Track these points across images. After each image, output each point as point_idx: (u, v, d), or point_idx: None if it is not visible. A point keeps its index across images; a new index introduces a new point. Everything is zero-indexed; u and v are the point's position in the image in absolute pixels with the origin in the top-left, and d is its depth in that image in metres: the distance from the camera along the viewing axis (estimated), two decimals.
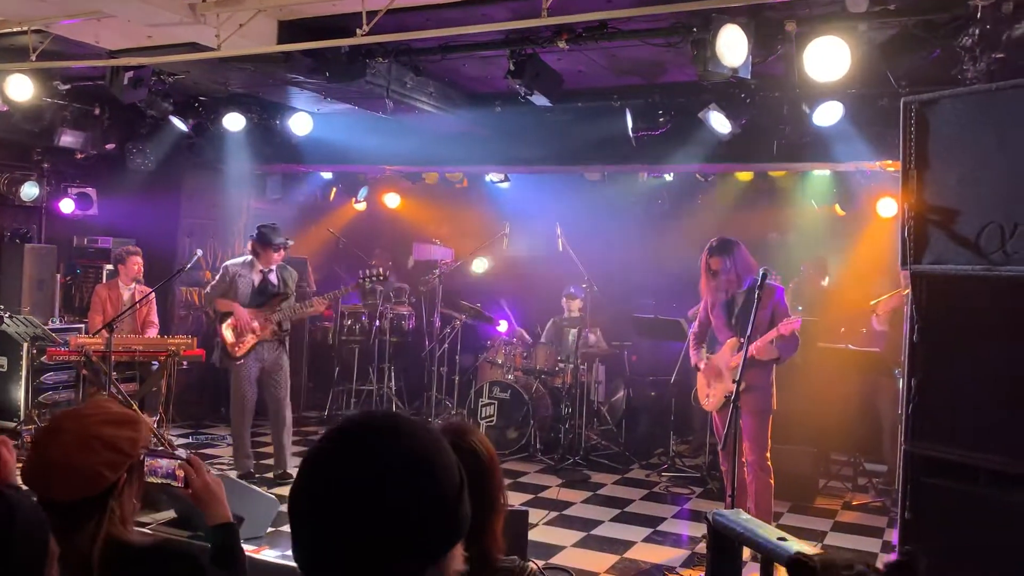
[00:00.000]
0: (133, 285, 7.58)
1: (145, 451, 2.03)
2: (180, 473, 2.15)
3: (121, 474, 1.91)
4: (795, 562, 1.33)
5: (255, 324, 6.53)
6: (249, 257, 6.71)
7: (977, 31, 4.40)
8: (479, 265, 9.39)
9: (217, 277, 6.74)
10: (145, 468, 2.10)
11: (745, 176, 7.98)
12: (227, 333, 6.55)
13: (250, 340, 6.55)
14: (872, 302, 6.82)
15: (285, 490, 6.36)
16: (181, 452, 2.50)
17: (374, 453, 1.16)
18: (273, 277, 6.70)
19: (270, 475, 6.76)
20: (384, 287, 9.42)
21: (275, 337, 6.64)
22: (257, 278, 6.65)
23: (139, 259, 7.58)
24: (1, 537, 1.44)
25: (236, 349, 6.53)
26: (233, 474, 6.48)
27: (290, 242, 6.89)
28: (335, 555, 1.14)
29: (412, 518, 1.14)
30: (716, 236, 5.40)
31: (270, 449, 7.05)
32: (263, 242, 6.59)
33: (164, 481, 2.15)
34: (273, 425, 6.78)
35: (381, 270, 6.98)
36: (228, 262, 6.83)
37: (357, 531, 1.13)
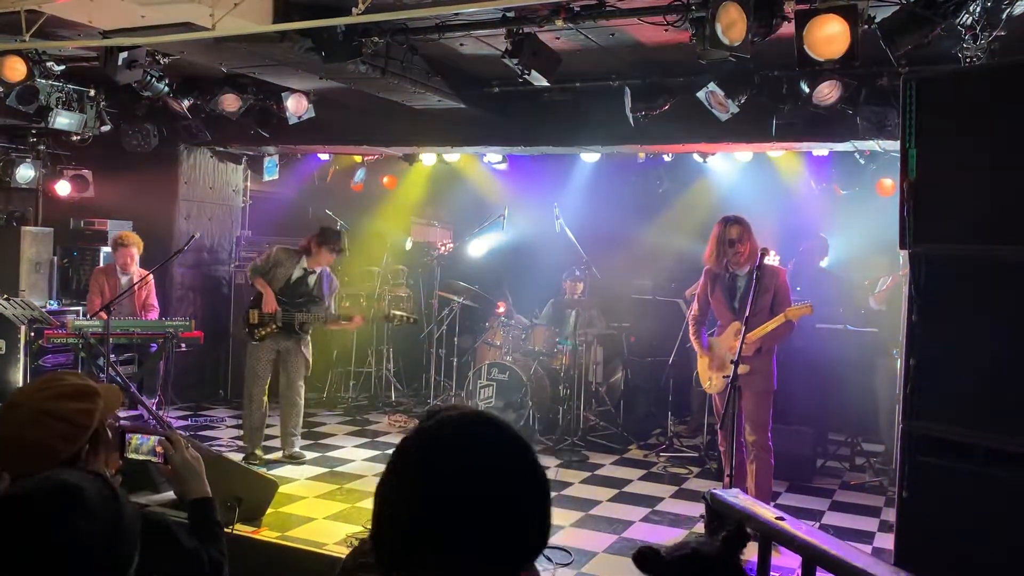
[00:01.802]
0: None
1: (113, 422, 2.04)
2: (160, 449, 2.17)
3: (80, 446, 1.93)
4: (640, 555, 1.35)
5: (278, 311, 6.54)
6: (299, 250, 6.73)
7: (977, 9, 4.36)
8: (477, 247, 9.36)
9: (265, 254, 6.81)
10: (127, 445, 2.12)
11: (744, 155, 7.95)
12: (252, 314, 6.62)
13: (270, 329, 6.60)
14: (869, 285, 6.80)
15: (286, 471, 6.41)
16: (161, 428, 2.52)
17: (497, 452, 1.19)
18: (312, 279, 6.70)
19: (272, 456, 6.78)
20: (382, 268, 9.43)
21: (294, 335, 6.65)
22: (297, 272, 6.66)
23: (131, 251, 7.43)
24: (117, 515, 1.54)
25: (257, 331, 6.60)
26: (236, 456, 6.50)
27: (346, 252, 6.85)
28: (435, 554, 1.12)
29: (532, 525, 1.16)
30: (721, 215, 5.43)
31: (271, 431, 7.06)
32: (320, 241, 6.59)
33: (145, 458, 2.17)
34: (282, 406, 6.79)
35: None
36: (280, 246, 6.88)
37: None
